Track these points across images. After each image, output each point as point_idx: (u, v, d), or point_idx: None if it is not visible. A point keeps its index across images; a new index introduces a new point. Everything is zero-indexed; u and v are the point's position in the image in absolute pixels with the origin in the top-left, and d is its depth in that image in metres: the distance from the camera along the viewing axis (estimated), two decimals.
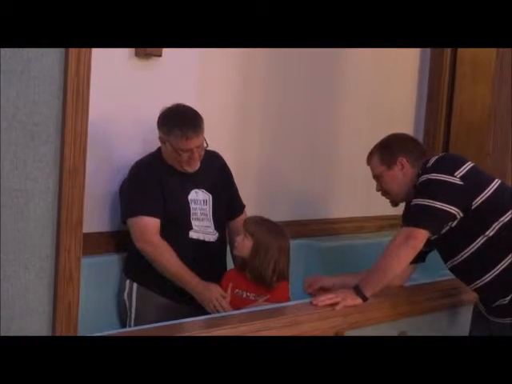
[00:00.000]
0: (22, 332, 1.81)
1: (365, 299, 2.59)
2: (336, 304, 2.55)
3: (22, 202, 1.78)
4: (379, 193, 2.85)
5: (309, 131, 3.80)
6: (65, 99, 1.80)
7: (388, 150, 2.80)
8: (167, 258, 2.86)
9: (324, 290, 2.84)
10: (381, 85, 4.11)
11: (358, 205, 4.01)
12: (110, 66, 2.89)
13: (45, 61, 1.77)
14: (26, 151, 1.77)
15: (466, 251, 2.61)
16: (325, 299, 2.57)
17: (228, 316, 2.51)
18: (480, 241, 2.58)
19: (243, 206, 3.18)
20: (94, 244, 2.94)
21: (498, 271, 2.58)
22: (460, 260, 2.64)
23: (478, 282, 2.63)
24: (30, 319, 1.82)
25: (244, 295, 2.82)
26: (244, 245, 2.81)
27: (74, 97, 1.81)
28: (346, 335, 2.55)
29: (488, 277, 2.60)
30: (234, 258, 3.04)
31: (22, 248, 1.79)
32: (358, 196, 3.95)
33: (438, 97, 4.27)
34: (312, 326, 2.47)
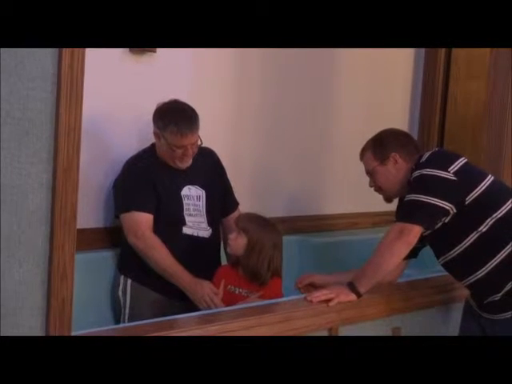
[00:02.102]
0: (15, 329, 1.80)
1: (359, 295, 2.59)
2: (330, 300, 2.55)
3: (16, 198, 1.77)
4: (373, 189, 2.84)
5: (303, 128, 3.80)
6: (58, 94, 1.79)
7: (381, 145, 2.78)
8: (159, 254, 2.86)
9: (314, 286, 2.85)
10: (375, 82, 4.11)
11: (352, 201, 4.01)
12: (105, 61, 2.88)
13: (38, 56, 1.76)
14: (19, 147, 1.76)
15: (458, 247, 2.61)
16: (319, 295, 2.57)
17: (222, 312, 2.51)
18: (473, 237, 2.58)
19: (237, 203, 3.18)
20: (88, 240, 2.93)
21: (490, 267, 2.58)
22: (453, 256, 2.64)
23: (470, 278, 2.63)
24: (24, 315, 1.81)
25: (237, 291, 2.82)
26: (238, 242, 2.81)
27: (67, 92, 1.80)
28: (339, 331, 2.56)
29: (480, 273, 2.60)
30: (227, 255, 3.04)
31: (15, 244, 1.78)
32: (351, 192, 3.96)
33: (433, 93, 4.27)
34: (306, 321, 2.47)
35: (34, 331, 1.83)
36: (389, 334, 2.73)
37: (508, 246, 2.56)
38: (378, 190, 2.83)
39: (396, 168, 2.75)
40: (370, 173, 2.82)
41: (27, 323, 1.82)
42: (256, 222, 2.84)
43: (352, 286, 2.59)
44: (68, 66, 1.79)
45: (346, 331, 2.58)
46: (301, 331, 2.44)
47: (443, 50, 4.26)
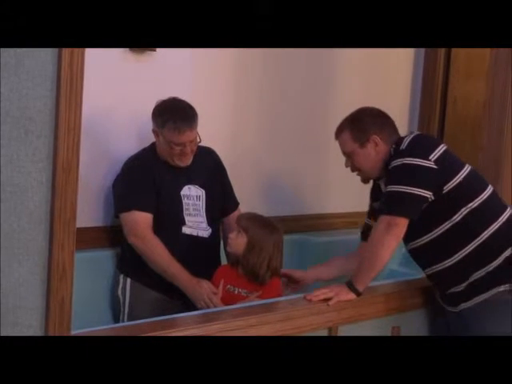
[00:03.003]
0: (14, 327, 1.80)
1: (358, 294, 2.60)
2: (330, 299, 2.55)
3: (16, 197, 1.77)
4: (349, 169, 2.80)
5: (303, 126, 3.80)
6: (58, 93, 1.79)
7: (360, 126, 2.72)
8: (158, 253, 2.85)
9: (294, 282, 2.89)
10: (375, 81, 4.11)
11: (352, 200, 4.00)
12: (104, 60, 2.88)
13: (38, 54, 1.76)
14: (19, 146, 1.76)
15: (429, 235, 2.63)
16: (319, 294, 2.57)
17: (222, 311, 2.51)
18: (446, 226, 2.60)
19: (237, 203, 3.18)
20: (87, 239, 2.93)
21: (458, 258, 2.61)
22: (422, 243, 2.66)
23: (435, 266, 2.66)
24: (23, 314, 1.81)
25: (236, 291, 2.82)
26: (238, 242, 2.80)
27: (67, 91, 1.80)
28: (339, 330, 2.56)
29: (448, 262, 2.62)
30: (227, 254, 3.03)
31: (15, 243, 1.78)
32: (352, 191, 3.94)
33: (432, 92, 4.27)
34: (305, 320, 2.48)
35: (34, 330, 1.83)
36: (388, 333, 2.73)
37: (478, 238, 2.59)
38: (356, 170, 2.79)
39: (376, 150, 2.71)
40: (347, 154, 2.76)
41: (27, 322, 1.82)
42: (257, 221, 2.83)
43: (351, 285, 2.60)
44: (68, 65, 1.79)
45: (345, 330, 2.58)
46: (301, 330, 2.45)
47: (443, 49, 4.25)
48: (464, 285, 2.62)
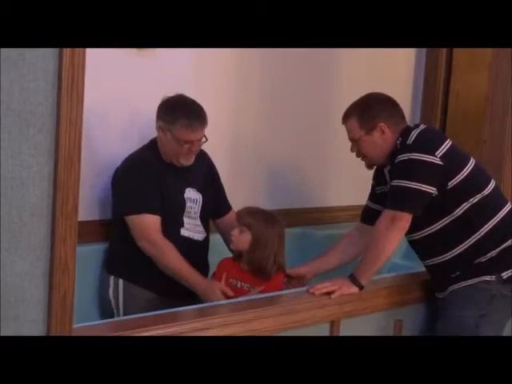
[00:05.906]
0: (16, 321, 1.80)
1: (361, 287, 2.60)
2: (332, 292, 2.55)
3: (17, 191, 1.77)
4: (354, 154, 2.80)
5: (305, 121, 3.79)
6: (60, 87, 1.78)
7: (369, 113, 2.71)
8: (171, 257, 2.79)
9: (297, 279, 2.87)
10: (377, 73, 4.10)
11: (355, 193, 3.99)
12: (105, 55, 2.87)
13: (39, 48, 1.76)
14: (20, 139, 1.76)
15: (430, 228, 2.66)
16: (321, 287, 2.58)
17: (223, 304, 2.51)
18: (447, 220, 2.63)
19: (229, 207, 3.11)
20: (89, 232, 2.92)
21: (457, 252, 2.64)
22: (422, 235, 2.69)
23: (435, 259, 2.69)
24: (26, 308, 1.81)
25: (238, 285, 2.81)
26: (242, 238, 2.77)
27: (68, 84, 1.79)
28: (341, 323, 2.56)
29: (447, 256, 2.66)
30: (231, 251, 2.97)
31: (17, 237, 1.78)
32: (354, 184, 3.94)
33: (434, 86, 4.26)
34: (308, 314, 2.48)
35: (36, 324, 1.84)
36: (391, 326, 2.73)
37: (477, 233, 2.62)
38: (361, 156, 2.78)
39: (383, 138, 2.70)
40: (354, 140, 2.75)
41: (29, 316, 1.82)
42: (259, 216, 2.81)
43: (353, 279, 2.60)
44: (69, 58, 1.78)
45: (347, 324, 2.58)
46: (303, 324, 2.45)
47: None
48: (457, 273, 2.65)
